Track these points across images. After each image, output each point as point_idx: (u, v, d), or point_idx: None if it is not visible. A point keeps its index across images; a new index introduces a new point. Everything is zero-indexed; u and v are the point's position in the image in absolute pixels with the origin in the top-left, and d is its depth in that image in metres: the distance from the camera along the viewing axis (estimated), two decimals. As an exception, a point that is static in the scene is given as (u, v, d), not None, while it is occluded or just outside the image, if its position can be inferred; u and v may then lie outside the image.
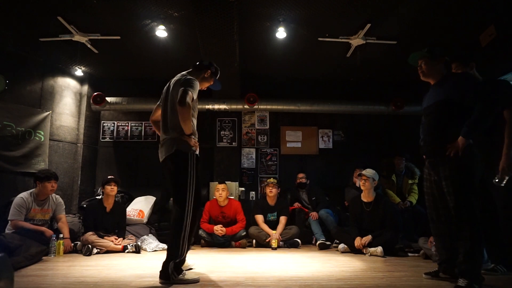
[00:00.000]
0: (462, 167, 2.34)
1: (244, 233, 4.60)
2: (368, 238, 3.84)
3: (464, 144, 2.31)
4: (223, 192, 4.62)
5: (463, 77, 2.46)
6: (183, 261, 2.58)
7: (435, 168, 2.52)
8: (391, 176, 5.01)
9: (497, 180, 2.52)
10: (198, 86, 2.69)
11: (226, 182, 4.87)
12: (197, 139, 2.68)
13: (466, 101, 2.37)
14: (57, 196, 4.04)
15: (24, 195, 3.76)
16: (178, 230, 2.47)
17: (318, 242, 4.34)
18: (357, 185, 4.61)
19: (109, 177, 4.28)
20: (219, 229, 4.44)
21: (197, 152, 2.64)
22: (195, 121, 2.74)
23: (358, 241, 3.86)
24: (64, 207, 4.08)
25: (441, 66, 2.56)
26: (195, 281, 2.48)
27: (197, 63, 2.88)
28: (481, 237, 2.32)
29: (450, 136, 2.38)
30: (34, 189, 3.87)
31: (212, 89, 3.01)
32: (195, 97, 2.65)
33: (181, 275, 2.47)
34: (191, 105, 2.52)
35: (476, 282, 2.26)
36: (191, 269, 2.89)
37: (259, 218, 4.67)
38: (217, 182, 4.79)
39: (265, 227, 4.55)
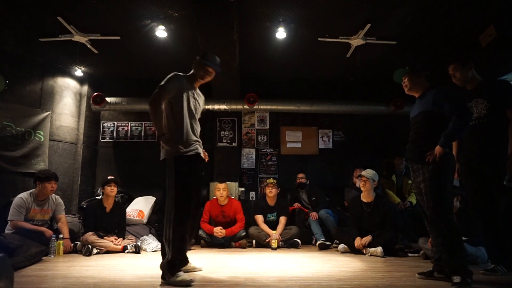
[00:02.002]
0: (437, 171, 2.52)
1: (244, 233, 4.60)
2: (368, 238, 3.84)
3: (441, 153, 2.48)
4: (224, 192, 4.63)
5: (441, 91, 2.61)
6: (180, 262, 2.51)
7: (416, 172, 2.69)
8: (391, 176, 5.01)
9: (505, 182, 2.65)
10: (172, 82, 2.59)
11: (226, 182, 4.87)
12: (188, 141, 2.59)
13: (443, 112, 2.55)
14: (56, 196, 4.04)
15: (23, 195, 3.76)
16: (163, 231, 2.52)
17: (318, 242, 4.34)
18: (357, 185, 4.61)
19: (109, 177, 4.28)
20: (218, 231, 4.43)
21: (192, 153, 2.58)
22: (184, 120, 2.62)
23: (358, 242, 3.86)
24: (64, 207, 4.08)
25: (423, 79, 2.77)
26: (186, 284, 2.38)
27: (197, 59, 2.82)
28: (458, 233, 2.50)
29: (430, 144, 2.55)
30: (33, 189, 3.87)
31: (216, 71, 2.78)
32: (167, 94, 2.57)
33: (175, 276, 2.41)
34: (156, 103, 2.52)
35: (468, 277, 2.36)
36: (198, 271, 2.86)
37: (259, 218, 4.67)
38: (217, 182, 4.79)
39: (265, 227, 4.55)
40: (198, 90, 2.85)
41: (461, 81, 2.94)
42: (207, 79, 2.78)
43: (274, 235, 4.36)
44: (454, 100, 2.53)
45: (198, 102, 2.79)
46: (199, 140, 2.73)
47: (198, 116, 2.79)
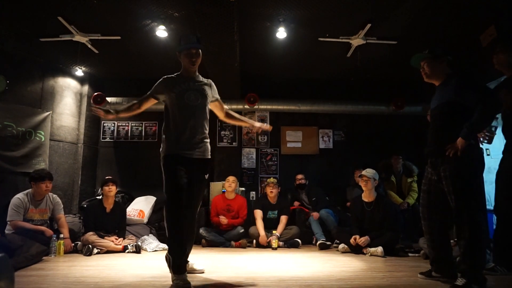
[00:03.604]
0: (462, 168, 2.33)
1: (242, 230, 4.63)
2: (364, 238, 3.85)
3: (464, 145, 2.29)
4: (233, 184, 4.82)
5: (464, 78, 2.42)
6: (180, 261, 2.45)
7: (436, 168, 2.51)
8: (390, 177, 4.99)
9: None
10: (158, 85, 2.69)
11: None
12: (178, 141, 2.56)
13: (468, 102, 2.35)
14: (54, 195, 4.03)
15: (20, 195, 3.76)
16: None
17: (319, 242, 4.34)
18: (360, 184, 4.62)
19: (106, 177, 4.29)
20: (223, 218, 4.60)
21: (181, 154, 2.54)
22: (174, 120, 2.59)
23: (353, 240, 3.88)
24: (62, 206, 4.07)
25: (444, 66, 2.53)
26: (182, 286, 2.31)
27: None
28: (481, 237, 2.31)
29: (452, 137, 2.36)
30: (30, 189, 3.87)
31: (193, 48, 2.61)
32: (152, 98, 2.71)
33: (175, 276, 2.38)
34: (138, 102, 2.74)
35: (476, 283, 2.24)
36: (200, 272, 2.84)
37: (258, 213, 4.70)
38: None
39: (260, 225, 4.57)
40: (200, 79, 2.72)
41: (501, 64, 2.78)
42: (195, 62, 2.62)
43: (262, 238, 4.42)
44: (481, 87, 2.33)
45: (199, 92, 2.64)
46: (197, 137, 2.60)
47: (202, 107, 2.65)
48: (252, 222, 4.75)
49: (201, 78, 2.76)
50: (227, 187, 4.87)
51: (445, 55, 2.53)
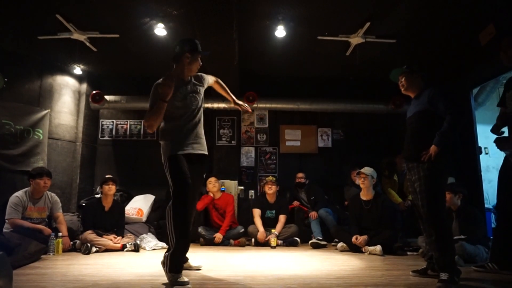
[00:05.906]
0: (433, 170, 2.54)
1: (242, 229, 4.62)
2: (364, 237, 3.86)
3: (436, 151, 2.51)
4: (216, 183, 4.77)
5: (435, 90, 2.67)
6: (180, 259, 2.48)
7: (412, 171, 2.71)
8: (392, 175, 5.00)
9: None
10: (152, 94, 2.56)
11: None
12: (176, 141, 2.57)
13: (439, 112, 2.60)
14: (52, 194, 4.03)
15: (19, 193, 3.76)
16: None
17: (311, 241, 4.36)
18: (356, 182, 4.61)
19: (106, 176, 4.28)
20: (217, 236, 4.45)
21: (181, 152, 2.54)
22: (173, 122, 2.61)
23: (354, 239, 3.88)
24: (61, 205, 4.06)
25: (419, 80, 2.83)
26: (182, 283, 2.31)
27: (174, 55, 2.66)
28: (450, 231, 2.58)
29: (426, 143, 2.59)
30: (28, 187, 3.86)
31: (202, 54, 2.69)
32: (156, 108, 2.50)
33: (175, 275, 2.36)
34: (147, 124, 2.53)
35: (456, 275, 2.40)
36: (197, 269, 2.86)
37: (256, 212, 4.72)
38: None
39: (258, 223, 4.59)
40: (193, 80, 2.71)
41: (510, 60, 2.92)
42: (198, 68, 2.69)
43: (260, 233, 4.42)
44: (449, 100, 2.58)
45: (197, 93, 2.68)
46: (198, 137, 2.64)
47: (200, 108, 2.69)
48: (251, 221, 4.75)
49: (193, 79, 2.73)
50: (211, 189, 4.75)
51: (420, 71, 2.84)
